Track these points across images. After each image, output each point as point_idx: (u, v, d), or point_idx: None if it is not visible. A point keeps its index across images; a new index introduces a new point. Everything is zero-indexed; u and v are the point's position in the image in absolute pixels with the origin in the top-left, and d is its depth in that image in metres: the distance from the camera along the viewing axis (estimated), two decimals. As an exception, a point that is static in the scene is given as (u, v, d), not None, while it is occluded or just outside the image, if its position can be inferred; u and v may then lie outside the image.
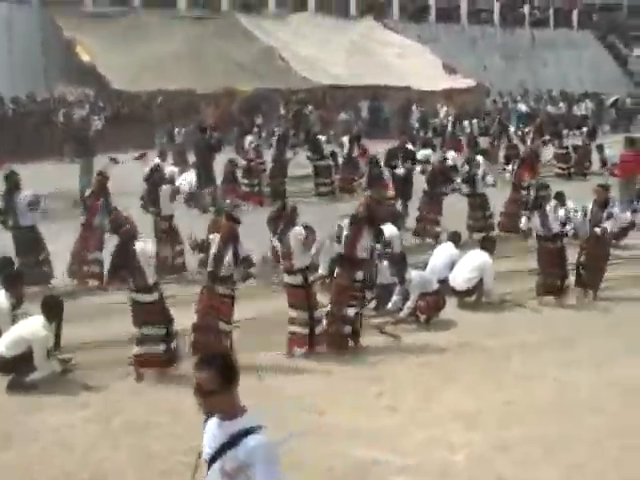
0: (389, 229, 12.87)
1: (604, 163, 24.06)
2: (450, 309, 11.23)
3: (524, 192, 15.88)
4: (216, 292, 9.14)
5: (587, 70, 45.95)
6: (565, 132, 25.70)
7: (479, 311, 11.43)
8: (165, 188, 13.06)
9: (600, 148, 24.21)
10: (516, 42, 43.60)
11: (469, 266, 11.59)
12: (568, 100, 38.30)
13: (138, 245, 8.93)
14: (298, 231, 9.55)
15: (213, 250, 9.14)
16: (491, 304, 11.63)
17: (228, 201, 14.32)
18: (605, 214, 12.03)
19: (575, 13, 46.83)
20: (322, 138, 20.99)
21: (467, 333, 10.48)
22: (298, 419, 7.88)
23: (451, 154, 23.33)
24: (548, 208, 11.74)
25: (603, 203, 12.13)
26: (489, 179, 19.06)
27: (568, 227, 12.59)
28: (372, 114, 33.21)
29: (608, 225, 12.00)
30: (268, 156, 20.24)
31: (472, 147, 24.39)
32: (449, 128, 29.06)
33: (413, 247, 14.47)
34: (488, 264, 11.62)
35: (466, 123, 26.81)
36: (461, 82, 36.18)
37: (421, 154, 21.32)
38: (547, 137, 24.24)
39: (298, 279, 9.56)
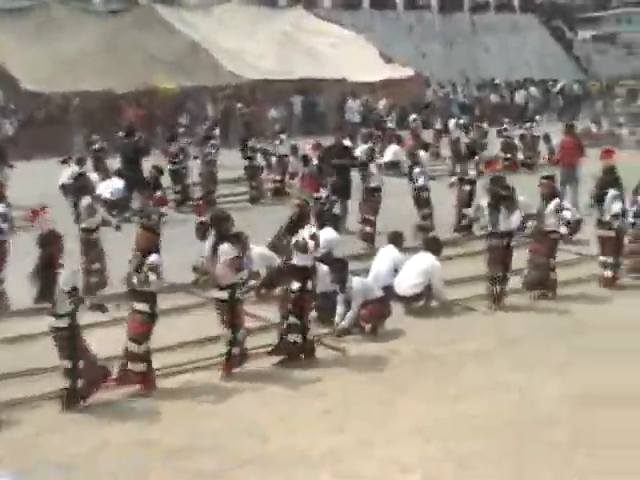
0: (327, 233, 12.93)
1: (552, 153, 24.39)
2: (397, 317, 11.20)
3: (468, 188, 15.96)
4: (134, 309, 8.99)
5: (532, 56, 46.70)
6: (508, 121, 25.94)
7: (428, 317, 11.43)
8: (85, 200, 12.79)
9: (547, 138, 24.51)
10: (456, 28, 44.08)
11: (415, 270, 11.58)
12: (512, 88, 38.80)
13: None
14: (227, 250, 9.34)
15: (132, 263, 8.98)
16: (440, 309, 11.65)
17: (153, 210, 14.11)
18: (553, 207, 12.10)
19: (517, -4, 47.53)
20: (252, 137, 20.93)
21: (417, 341, 10.47)
22: (239, 446, 7.77)
23: (393, 148, 23.58)
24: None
25: (550, 195, 12.21)
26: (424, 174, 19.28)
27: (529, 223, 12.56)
28: (306, 109, 33.19)
29: (558, 219, 12.10)
30: (195, 159, 20.12)
31: (416, 140, 24.55)
32: (389, 121, 29.20)
33: (358, 251, 14.48)
34: (435, 266, 11.63)
35: (414, 116, 26.91)
36: (399, 72, 36.34)
37: (361, 150, 21.40)
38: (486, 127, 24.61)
39: (224, 295, 9.42)
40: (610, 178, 12.74)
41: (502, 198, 11.72)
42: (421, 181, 15.72)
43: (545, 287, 12.14)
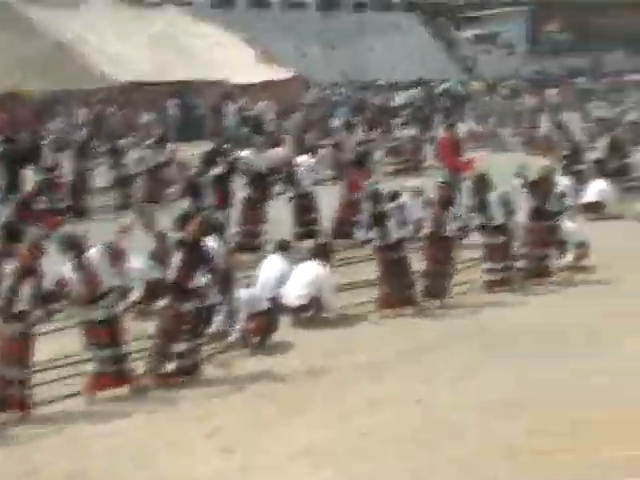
0: (211, 242, 12.76)
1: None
2: (285, 329, 11.12)
3: (357, 195, 15.99)
4: (7, 333, 8.67)
5: (415, 56, 47.52)
6: (393, 123, 26.34)
7: (318, 329, 11.38)
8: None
9: (433, 140, 24.91)
10: (337, 28, 44.46)
11: (302, 280, 11.53)
12: (395, 89, 39.32)
13: None
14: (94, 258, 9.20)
15: (7, 283, 8.68)
16: (331, 320, 11.62)
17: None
18: (450, 214, 12.27)
19: (398, -6, 48.28)
20: (124, 142, 20.57)
21: (307, 355, 10.39)
22: (123, 472, 7.54)
23: (275, 152, 23.47)
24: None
25: (446, 202, 12.37)
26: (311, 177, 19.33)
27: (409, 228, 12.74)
28: (182, 113, 32.80)
29: (453, 226, 12.28)
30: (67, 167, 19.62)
31: (298, 144, 24.59)
32: (270, 125, 29.15)
33: (242, 261, 14.35)
34: (324, 275, 11.62)
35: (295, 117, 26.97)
36: (279, 73, 36.39)
37: (241, 155, 21.25)
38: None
39: (99, 313, 9.16)
40: (482, 185, 13.05)
41: (381, 214, 11.93)
42: (304, 186, 15.70)
43: (439, 294, 12.33)
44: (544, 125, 29.50)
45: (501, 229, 12.84)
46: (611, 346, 10.19)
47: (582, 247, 13.96)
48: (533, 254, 13.17)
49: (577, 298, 12.52)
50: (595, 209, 18.06)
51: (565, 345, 10.42)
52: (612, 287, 12.93)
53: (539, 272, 13.20)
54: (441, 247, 12.27)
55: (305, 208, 15.72)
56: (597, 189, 18.15)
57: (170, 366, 9.52)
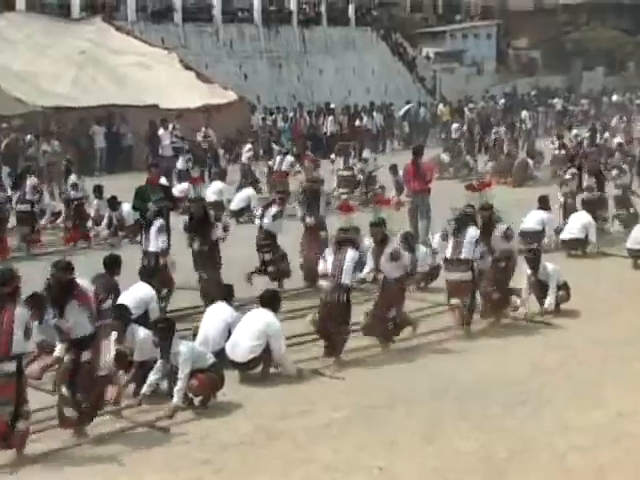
0: (142, 289, 12.75)
1: (400, 187, 25.02)
2: (232, 386, 11.07)
3: (323, 233, 16.06)
4: None
5: (371, 76, 47.96)
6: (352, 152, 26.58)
7: (269, 385, 11.34)
8: None
9: (394, 169, 25.12)
10: (284, 44, 44.73)
11: (251, 331, 11.49)
12: (349, 114, 39.55)
13: None
14: (19, 312, 9.12)
15: None
16: (282, 375, 11.58)
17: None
18: (388, 255, 12.50)
19: (351, 8, 48.63)
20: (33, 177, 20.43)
21: (257, 415, 10.33)
22: None
23: (218, 186, 23.54)
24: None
25: (381, 243, 12.65)
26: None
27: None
28: (110, 142, 32.72)
29: (393, 268, 12.51)
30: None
31: (246, 176, 24.72)
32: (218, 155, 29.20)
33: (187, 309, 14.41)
34: (274, 325, 11.58)
35: (248, 146, 27.05)
36: (220, 96, 36.50)
37: (178, 189, 21.32)
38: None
39: (11, 367, 9.12)
40: (471, 215, 13.48)
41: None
42: (264, 221, 15.79)
43: (384, 337, 12.62)
44: (519, 153, 30.07)
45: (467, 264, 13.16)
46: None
47: (563, 290, 14.14)
48: (486, 295, 13.61)
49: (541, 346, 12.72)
50: (578, 246, 18.30)
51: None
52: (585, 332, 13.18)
53: (493, 314, 13.66)
54: (382, 290, 12.61)
55: (262, 247, 15.72)
56: (580, 224, 18.38)
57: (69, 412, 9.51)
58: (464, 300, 13.20)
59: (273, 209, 15.88)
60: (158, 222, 14.44)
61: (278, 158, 26.01)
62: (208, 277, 14.45)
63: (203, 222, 14.62)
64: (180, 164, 26.67)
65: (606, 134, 32.69)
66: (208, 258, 14.56)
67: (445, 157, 30.03)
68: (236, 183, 25.35)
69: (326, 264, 12.42)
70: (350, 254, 12.28)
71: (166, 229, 14.58)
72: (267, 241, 15.78)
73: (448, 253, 13.39)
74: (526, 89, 53.54)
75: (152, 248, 14.33)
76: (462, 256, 13.15)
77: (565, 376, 11.44)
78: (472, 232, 13.29)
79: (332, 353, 12.25)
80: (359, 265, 12.48)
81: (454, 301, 13.33)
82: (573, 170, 21.57)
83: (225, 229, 15.00)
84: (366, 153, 27.05)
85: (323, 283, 12.51)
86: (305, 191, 16.98)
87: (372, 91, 46.62)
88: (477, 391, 10.89)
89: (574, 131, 32.34)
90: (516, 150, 31.12)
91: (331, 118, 37.88)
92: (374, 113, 40.09)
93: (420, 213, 18.82)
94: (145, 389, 10.64)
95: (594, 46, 62.03)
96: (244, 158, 26.58)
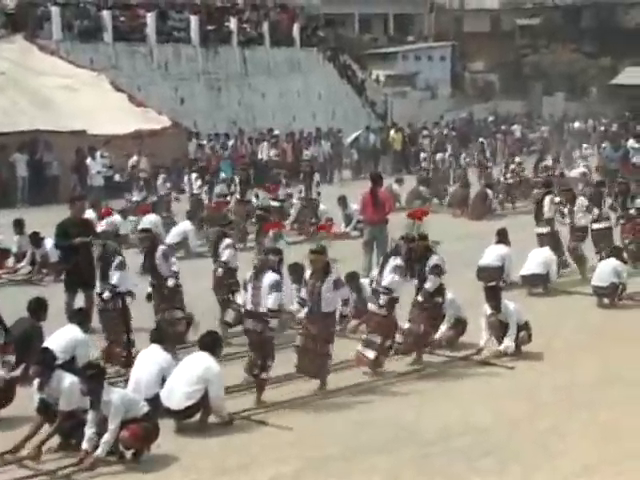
0: (70, 332, 12.69)
1: (348, 221, 25.15)
2: (167, 437, 11.00)
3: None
4: None
5: (318, 100, 48.17)
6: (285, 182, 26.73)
7: (208, 436, 11.28)
8: None
9: (343, 201, 25.25)
10: (223, 66, 44.80)
11: (188, 376, 11.44)
12: (294, 141, 39.64)
13: None
14: None
15: None
16: (222, 425, 11.54)
17: None
18: (331, 283, 12.67)
19: (296, 28, 48.89)
20: None
21: (195, 470, 10.28)
22: None
23: (149, 218, 23.43)
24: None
25: (322, 271, 12.77)
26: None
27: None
28: (33, 171, 32.44)
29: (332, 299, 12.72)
30: None
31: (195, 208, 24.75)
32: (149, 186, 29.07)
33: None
34: (213, 371, 11.54)
35: (191, 178, 27.07)
36: (154, 121, 36.45)
37: (106, 222, 21.15)
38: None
39: None
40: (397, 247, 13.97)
41: None
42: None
43: (317, 377, 12.74)
44: (476, 184, 30.31)
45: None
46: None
47: (524, 330, 14.28)
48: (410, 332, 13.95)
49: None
50: (539, 283, 18.48)
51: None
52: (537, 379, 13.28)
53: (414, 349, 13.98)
54: (317, 324, 12.73)
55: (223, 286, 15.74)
56: (541, 259, 18.56)
57: None
58: (379, 338, 13.41)
59: (226, 241, 15.96)
60: (117, 259, 14.51)
61: (217, 188, 26.02)
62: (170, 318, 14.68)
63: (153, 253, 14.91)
64: (137, 196, 26.48)
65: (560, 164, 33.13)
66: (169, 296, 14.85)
67: (396, 188, 30.15)
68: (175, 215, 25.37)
69: (246, 294, 12.61)
70: (268, 279, 12.43)
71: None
72: (230, 279, 15.76)
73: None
74: (483, 114, 54.14)
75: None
76: (381, 286, 13.50)
77: (529, 425, 11.52)
78: (392, 262, 13.57)
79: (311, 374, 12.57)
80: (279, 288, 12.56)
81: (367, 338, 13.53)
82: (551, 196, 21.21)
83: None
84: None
85: (246, 321, 12.67)
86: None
87: (319, 116, 46.81)
88: (439, 441, 10.94)
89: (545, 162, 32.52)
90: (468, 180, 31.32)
91: (266, 144, 38.00)
92: (322, 140, 40.24)
93: (378, 246, 18.91)
94: (85, 446, 10.46)
95: (554, 70, 62.95)
96: (194, 188, 26.50)
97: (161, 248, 15.22)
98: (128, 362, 13.36)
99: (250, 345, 12.62)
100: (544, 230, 20.10)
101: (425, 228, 14.40)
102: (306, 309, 12.97)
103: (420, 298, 14.01)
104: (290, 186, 26.65)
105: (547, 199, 20.31)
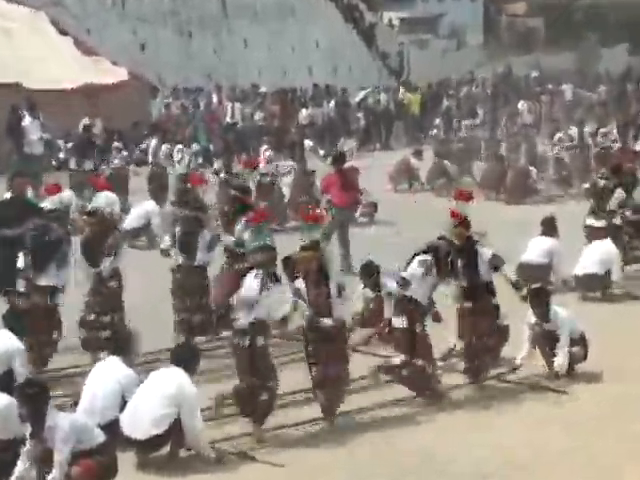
0: (5, 340, 12.76)
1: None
2: (128, 474, 11.04)
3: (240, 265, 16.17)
4: None
5: (316, 50, 48.13)
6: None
7: (179, 474, 11.31)
8: None
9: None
10: (196, 6, 44.80)
11: (156, 397, 11.48)
12: (284, 103, 39.66)
13: None
14: None
15: None
16: (199, 458, 11.58)
17: None
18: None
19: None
20: None
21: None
22: None
23: (102, 196, 23.46)
24: None
25: (317, 271, 12.91)
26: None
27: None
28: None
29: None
30: None
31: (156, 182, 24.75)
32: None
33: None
34: (188, 391, 11.57)
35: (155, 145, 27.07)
36: (107, 73, 36.48)
37: (52, 201, 21.14)
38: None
39: None
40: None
41: None
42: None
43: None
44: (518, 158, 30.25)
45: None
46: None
47: (578, 345, 14.29)
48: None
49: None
50: (597, 285, 18.50)
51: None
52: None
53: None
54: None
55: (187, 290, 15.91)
56: (599, 255, 18.56)
57: None
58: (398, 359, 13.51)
59: (206, 236, 16.04)
60: (61, 252, 14.77)
61: (188, 159, 26.07)
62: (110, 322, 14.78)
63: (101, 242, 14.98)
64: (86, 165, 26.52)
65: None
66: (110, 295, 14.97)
67: (414, 160, 30.27)
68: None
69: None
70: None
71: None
72: (198, 279, 15.93)
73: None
74: (524, 70, 54.09)
75: (45, 282, 14.59)
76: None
77: (579, 463, 11.52)
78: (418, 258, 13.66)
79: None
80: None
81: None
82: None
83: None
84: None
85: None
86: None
87: (316, 71, 46.86)
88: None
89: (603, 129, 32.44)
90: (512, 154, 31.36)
91: (238, 105, 38.09)
92: (324, 101, 40.34)
93: (341, 234, 19.58)
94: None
95: (615, 14, 62.93)
96: (158, 158, 26.51)
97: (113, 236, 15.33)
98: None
99: (238, 364, 12.66)
100: (600, 224, 20.03)
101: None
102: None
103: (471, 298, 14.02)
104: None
105: (618, 192, 20.17)
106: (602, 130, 31.74)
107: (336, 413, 12.77)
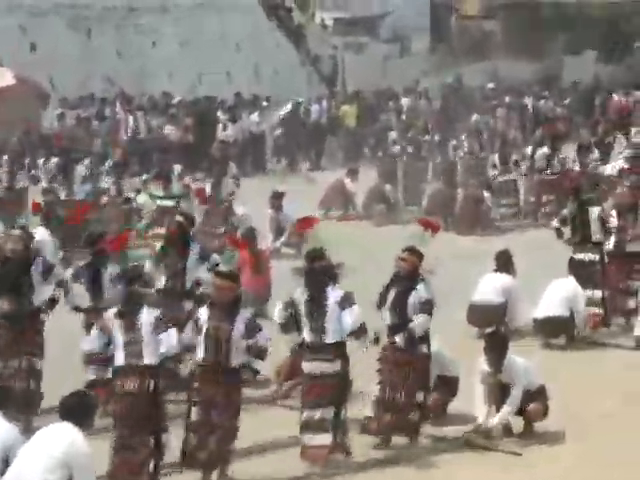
0: None
1: (280, 231, 25.42)
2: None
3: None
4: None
5: (236, 52, 48.16)
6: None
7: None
8: None
9: (276, 200, 25.52)
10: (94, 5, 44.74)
11: (42, 460, 11.28)
12: (193, 114, 39.75)
13: None
14: None
15: None
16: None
17: None
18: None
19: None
20: None
21: None
22: None
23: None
24: None
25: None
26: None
27: None
28: None
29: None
30: None
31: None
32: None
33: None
34: (79, 452, 11.39)
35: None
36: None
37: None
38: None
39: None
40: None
41: None
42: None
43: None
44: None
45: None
46: None
47: (537, 400, 14.35)
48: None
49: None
50: (560, 330, 18.57)
51: None
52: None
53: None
54: None
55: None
56: (562, 294, 18.63)
57: None
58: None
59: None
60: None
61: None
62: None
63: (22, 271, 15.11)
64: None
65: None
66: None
67: (348, 183, 30.41)
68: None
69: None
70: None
71: None
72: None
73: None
74: (478, 80, 54.28)
75: None
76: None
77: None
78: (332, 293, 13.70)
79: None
80: None
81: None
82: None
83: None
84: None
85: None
86: None
87: (236, 75, 46.76)
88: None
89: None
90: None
91: (141, 114, 38.25)
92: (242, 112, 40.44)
93: None
94: None
95: (582, 17, 63.42)
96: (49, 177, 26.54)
97: None
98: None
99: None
100: (592, 257, 19.97)
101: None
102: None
103: (399, 343, 14.08)
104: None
105: (596, 212, 20.11)
106: (561, 156, 31.84)
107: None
